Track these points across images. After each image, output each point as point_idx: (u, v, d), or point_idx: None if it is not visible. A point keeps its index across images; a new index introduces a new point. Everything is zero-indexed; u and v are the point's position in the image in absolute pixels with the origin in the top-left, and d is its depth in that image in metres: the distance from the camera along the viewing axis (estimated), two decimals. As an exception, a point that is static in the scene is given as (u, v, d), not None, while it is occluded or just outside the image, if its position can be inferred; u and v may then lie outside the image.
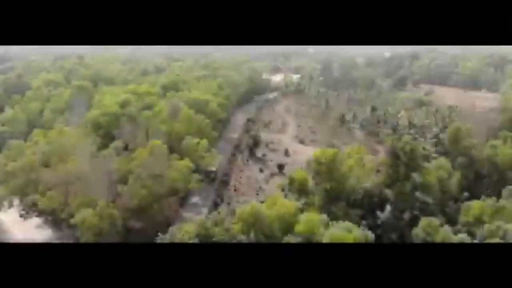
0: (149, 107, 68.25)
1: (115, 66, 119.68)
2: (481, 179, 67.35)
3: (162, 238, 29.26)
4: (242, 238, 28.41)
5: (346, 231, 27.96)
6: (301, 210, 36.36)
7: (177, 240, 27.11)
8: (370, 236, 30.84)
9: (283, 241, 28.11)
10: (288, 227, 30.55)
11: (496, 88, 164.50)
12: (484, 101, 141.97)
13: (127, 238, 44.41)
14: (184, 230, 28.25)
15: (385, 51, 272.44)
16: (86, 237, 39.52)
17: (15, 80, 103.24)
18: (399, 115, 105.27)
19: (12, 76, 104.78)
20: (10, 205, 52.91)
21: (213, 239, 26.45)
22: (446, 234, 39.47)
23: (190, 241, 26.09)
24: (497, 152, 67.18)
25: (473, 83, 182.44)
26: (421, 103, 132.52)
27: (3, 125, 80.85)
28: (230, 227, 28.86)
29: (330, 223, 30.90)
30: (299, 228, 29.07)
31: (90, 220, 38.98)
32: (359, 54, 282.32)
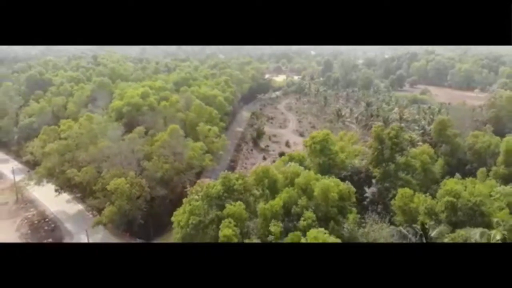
0: (164, 99, 76.41)
1: (129, 65, 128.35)
2: (463, 166, 74.20)
3: (190, 190, 37.11)
4: (255, 192, 36.27)
5: (333, 184, 35.91)
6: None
7: (203, 190, 34.80)
8: (352, 188, 38.66)
9: (284, 191, 35.91)
10: (289, 183, 38.51)
11: (490, 89, 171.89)
12: (476, 100, 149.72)
13: (152, 204, 52.52)
14: (210, 183, 35.96)
15: (385, 53, 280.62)
16: (119, 202, 47.51)
17: (37, 77, 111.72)
18: (393, 112, 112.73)
19: (34, 74, 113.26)
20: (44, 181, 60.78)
21: (234, 187, 34.22)
22: (420, 200, 47.07)
23: (216, 189, 33.70)
24: (478, 141, 74.31)
25: (467, 84, 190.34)
26: (415, 101, 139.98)
27: (30, 117, 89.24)
28: (247, 180, 36.50)
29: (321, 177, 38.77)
30: (299, 180, 37.06)
31: (123, 187, 46.98)
32: (359, 55, 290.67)
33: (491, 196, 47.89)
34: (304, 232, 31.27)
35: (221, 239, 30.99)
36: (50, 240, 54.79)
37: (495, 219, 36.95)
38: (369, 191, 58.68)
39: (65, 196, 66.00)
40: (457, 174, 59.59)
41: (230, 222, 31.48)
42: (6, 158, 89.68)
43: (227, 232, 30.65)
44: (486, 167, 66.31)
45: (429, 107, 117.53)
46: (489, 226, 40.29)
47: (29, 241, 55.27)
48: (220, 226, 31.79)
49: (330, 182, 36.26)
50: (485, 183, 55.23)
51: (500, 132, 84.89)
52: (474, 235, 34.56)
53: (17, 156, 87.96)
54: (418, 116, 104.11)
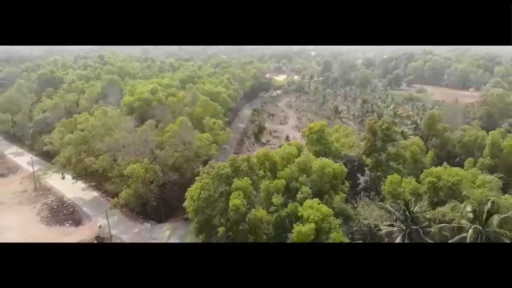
0: (171, 96, 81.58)
1: (135, 64, 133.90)
2: (453, 158, 79.13)
3: (202, 170, 42.22)
4: (259, 173, 41.49)
5: (330, 162, 41.49)
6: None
7: (213, 169, 39.97)
8: (344, 168, 44.09)
9: (286, 169, 41.09)
10: (286, 163, 43.76)
11: (484, 88, 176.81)
12: (470, 98, 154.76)
13: (163, 189, 57.61)
14: (220, 165, 41.11)
15: (384, 54, 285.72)
16: (135, 185, 52.56)
17: (48, 75, 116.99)
18: (388, 109, 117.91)
19: (46, 72, 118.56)
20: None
21: (241, 168, 39.46)
22: (406, 184, 52.06)
23: (224, 170, 38.91)
24: (466, 134, 79.40)
25: (463, 83, 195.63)
26: (411, 100, 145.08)
27: (44, 112, 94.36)
28: (252, 160, 41.76)
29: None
30: (298, 160, 42.51)
31: (139, 171, 52.09)
32: (359, 56, 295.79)
33: (474, 183, 52.95)
34: (301, 203, 36.49)
35: (231, 208, 36.17)
36: (70, 222, 59.90)
37: (464, 192, 41.89)
38: (362, 179, 63.88)
39: (80, 184, 71.23)
40: (445, 163, 64.38)
41: (239, 194, 36.72)
42: (21, 152, 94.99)
43: (236, 201, 35.86)
44: (473, 159, 71.33)
45: (423, 105, 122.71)
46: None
47: (50, 223, 60.35)
48: (230, 197, 36.95)
49: (327, 161, 41.87)
50: (469, 171, 60.30)
51: (491, 128, 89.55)
52: (448, 209, 39.53)
53: (31, 149, 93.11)
54: (412, 112, 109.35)
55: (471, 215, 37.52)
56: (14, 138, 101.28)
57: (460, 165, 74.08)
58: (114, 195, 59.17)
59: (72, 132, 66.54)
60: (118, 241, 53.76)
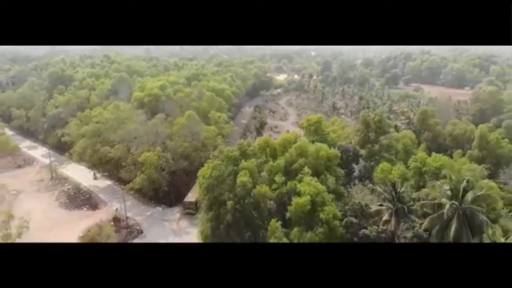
0: (179, 91, 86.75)
1: (142, 63, 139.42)
2: (444, 151, 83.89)
3: (213, 153, 47.28)
4: (261, 158, 46.79)
5: (324, 147, 46.76)
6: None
7: (223, 153, 45.09)
8: (338, 153, 49.28)
9: (282, 156, 46.15)
10: (284, 148, 49.03)
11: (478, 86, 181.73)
12: (464, 96, 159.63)
13: (173, 177, 62.72)
14: (229, 148, 46.26)
15: (383, 54, 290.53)
16: (149, 171, 57.68)
17: (59, 73, 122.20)
18: (384, 106, 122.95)
19: (57, 70, 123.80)
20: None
21: (247, 151, 44.60)
22: (395, 170, 57.04)
23: (233, 153, 43.91)
24: (456, 128, 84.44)
25: (459, 82, 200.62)
26: (406, 97, 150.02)
27: (56, 108, 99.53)
28: (255, 148, 47.03)
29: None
30: (296, 145, 47.62)
31: (152, 158, 57.23)
32: (359, 56, 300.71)
33: (460, 173, 57.91)
34: (300, 181, 41.61)
35: (238, 184, 41.32)
36: (87, 206, 65.02)
37: (443, 172, 46.82)
38: (356, 168, 68.86)
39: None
40: (434, 153, 69.17)
41: (246, 173, 41.90)
42: (35, 145, 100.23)
43: (243, 179, 41.04)
44: (462, 151, 76.34)
45: (418, 102, 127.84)
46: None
47: (69, 207, 65.47)
48: (238, 176, 42.15)
49: (322, 145, 47.20)
50: (457, 160, 65.29)
51: (484, 123, 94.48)
52: (429, 189, 44.42)
53: (45, 143, 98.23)
54: (407, 109, 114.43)
55: (449, 193, 42.44)
56: (27, 133, 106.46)
57: (450, 157, 78.95)
58: (127, 183, 64.36)
59: (87, 125, 71.61)
60: (132, 222, 58.96)
